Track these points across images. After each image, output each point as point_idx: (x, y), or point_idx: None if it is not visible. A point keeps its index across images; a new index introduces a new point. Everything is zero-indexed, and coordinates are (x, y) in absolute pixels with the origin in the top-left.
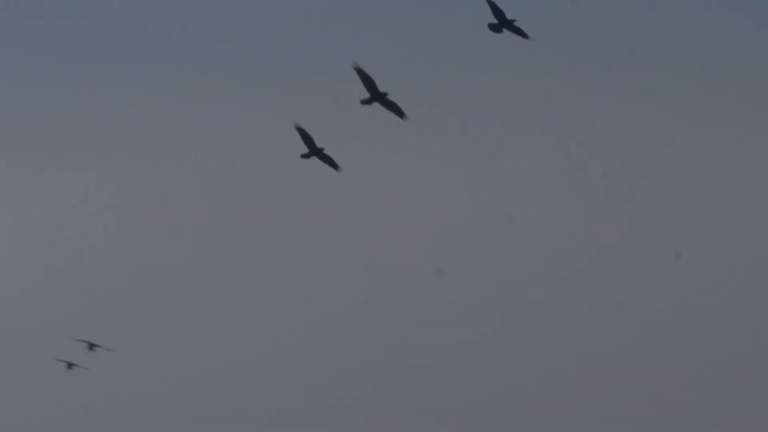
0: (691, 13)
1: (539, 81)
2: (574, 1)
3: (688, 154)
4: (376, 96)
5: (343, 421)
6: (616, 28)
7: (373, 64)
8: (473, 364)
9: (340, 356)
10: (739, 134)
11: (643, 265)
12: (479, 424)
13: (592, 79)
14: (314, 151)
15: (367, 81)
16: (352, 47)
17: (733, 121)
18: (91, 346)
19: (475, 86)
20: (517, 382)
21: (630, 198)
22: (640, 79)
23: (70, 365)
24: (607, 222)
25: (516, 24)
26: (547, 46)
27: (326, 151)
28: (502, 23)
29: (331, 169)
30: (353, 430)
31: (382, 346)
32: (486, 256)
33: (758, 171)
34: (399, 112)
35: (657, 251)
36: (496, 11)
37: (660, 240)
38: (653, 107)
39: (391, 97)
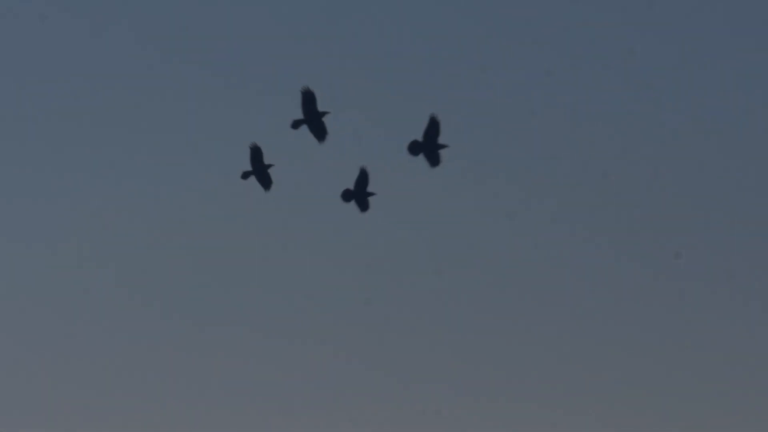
0: (691, 12)
1: (539, 81)
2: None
3: (688, 153)
4: (311, 117)
5: (342, 421)
6: (616, 27)
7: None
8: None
9: (339, 355)
10: (740, 133)
11: (642, 265)
12: (479, 423)
13: (592, 79)
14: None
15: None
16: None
17: (733, 120)
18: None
19: (473, 86)
20: (516, 382)
21: (629, 198)
22: (639, 79)
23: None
24: (607, 222)
25: (442, 150)
26: (546, 47)
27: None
28: (428, 145)
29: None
30: (353, 430)
31: (381, 345)
32: (486, 257)
33: (758, 171)
34: (321, 135)
35: (657, 251)
36: (432, 131)
37: (660, 240)
38: (653, 107)
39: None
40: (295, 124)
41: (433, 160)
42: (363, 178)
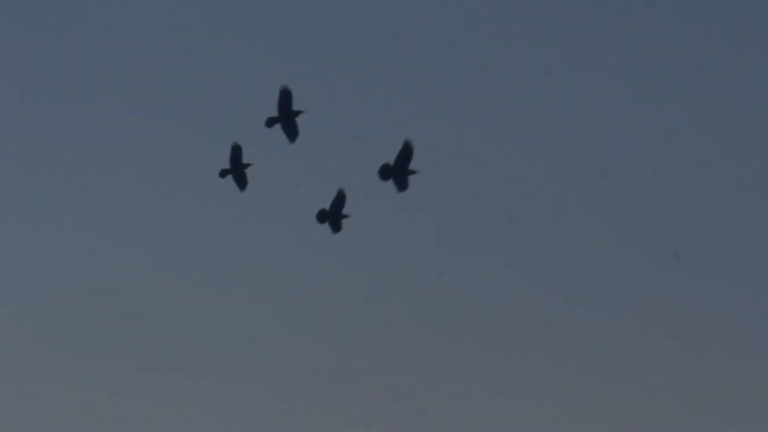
0: (692, 12)
1: (539, 81)
2: (574, 1)
3: (688, 154)
4: (286, 115)
5: (342, 421)
6: (616, 28)
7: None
8: (472, 362)
9: (339, 356)
10: (740, 133)
11: (643, 265)
12: (478, 423)
13: (591, 79)
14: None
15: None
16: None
17: (733, 120)
18: None
19: (473, 86)
20: (515, 383)
21: (630, 198)
22: (640, 79)
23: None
24: (607, 222)
25: (411, 176)
26: (546, 46)
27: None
28: (398, 170)
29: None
30: (353, 430)
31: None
32: (485, 257)
33: (758, 171)
34: (292, 135)
35: (657, 251)
36: (404, 156)
37: (660, 240)
38: (653, 107)
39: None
40: (269, 122)
41: (402, 185)
42: (339, 200)
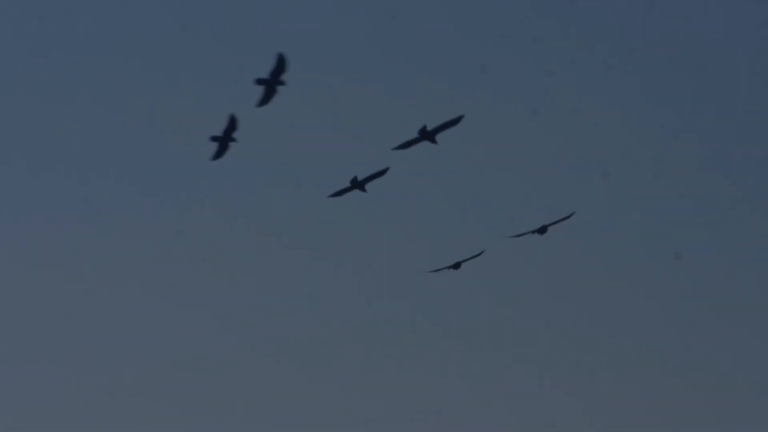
0: (692, 12)
1: (539, 81)
2: (574, 1)
3: (688, 153)
4: None
5: (342, 422)
6: (617, 28)
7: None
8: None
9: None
10: (740, 133)
11: (643, 265)
12: (478, 423)
13: (592, 79)
14: None
15: None
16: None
17: (733, 120)
18: None
19: (474, 86)
20: (515, 382)
21: (630, 198)
22: (640, 79)
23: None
24: (608, 222)
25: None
26: (547, 46)
27: None
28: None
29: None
30: (353, 430)
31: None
32: (484, 256)
33: (758, 171)
34: (264, 100)
35: (657, 251)
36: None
37: (660, 240)
38: (653, 107)
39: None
40: (259, 82)
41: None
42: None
